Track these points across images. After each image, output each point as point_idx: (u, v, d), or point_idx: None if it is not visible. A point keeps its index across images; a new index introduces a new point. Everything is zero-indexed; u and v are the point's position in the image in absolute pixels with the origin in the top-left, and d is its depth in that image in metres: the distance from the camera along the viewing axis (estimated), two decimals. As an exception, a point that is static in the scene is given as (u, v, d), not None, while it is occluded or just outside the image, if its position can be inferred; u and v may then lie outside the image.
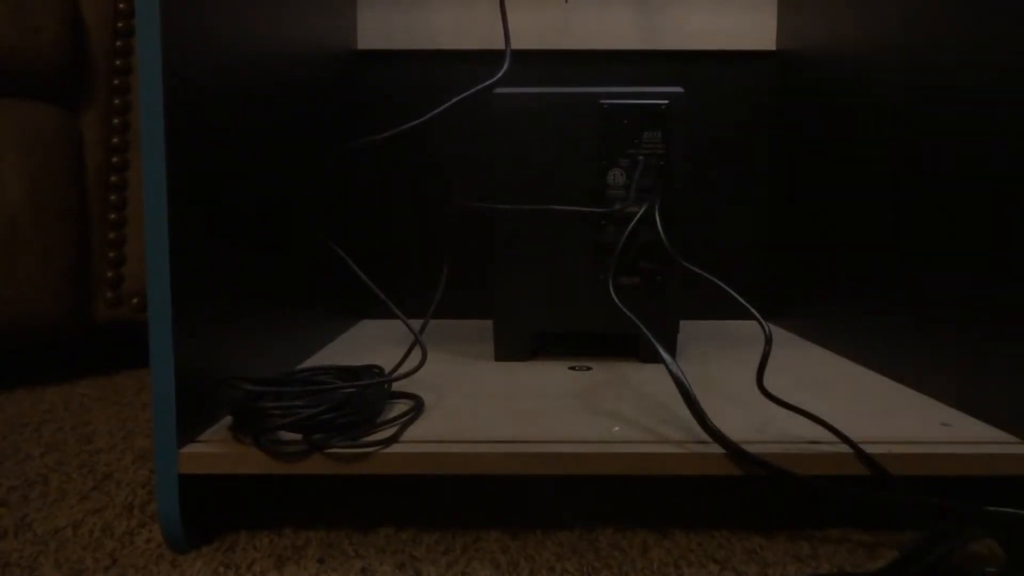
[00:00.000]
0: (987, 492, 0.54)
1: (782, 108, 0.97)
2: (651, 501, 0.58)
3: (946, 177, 0.60)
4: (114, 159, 0.96)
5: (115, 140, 0.96)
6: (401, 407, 0.57)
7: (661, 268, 0.72)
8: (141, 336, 0.47)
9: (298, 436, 0.49)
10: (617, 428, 0.53)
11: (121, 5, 0.95)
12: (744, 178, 1.02)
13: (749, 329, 0.95)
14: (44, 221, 0.90)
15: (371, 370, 0.61)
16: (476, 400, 0.61)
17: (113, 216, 0.96)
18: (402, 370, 0.61)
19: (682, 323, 0.99)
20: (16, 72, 0.89)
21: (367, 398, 0.53)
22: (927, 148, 0.63)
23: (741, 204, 1.02)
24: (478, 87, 0.73)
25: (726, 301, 1.02)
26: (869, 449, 0.49)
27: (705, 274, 0.61)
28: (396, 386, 0.60)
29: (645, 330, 0.59)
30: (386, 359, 0.66)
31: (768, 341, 0.54)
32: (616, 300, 0.65)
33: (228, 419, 0.54)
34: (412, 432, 0.52)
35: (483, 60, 1.00)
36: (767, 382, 0.67)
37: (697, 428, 0.52)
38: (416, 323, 0.70)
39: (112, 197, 0.96)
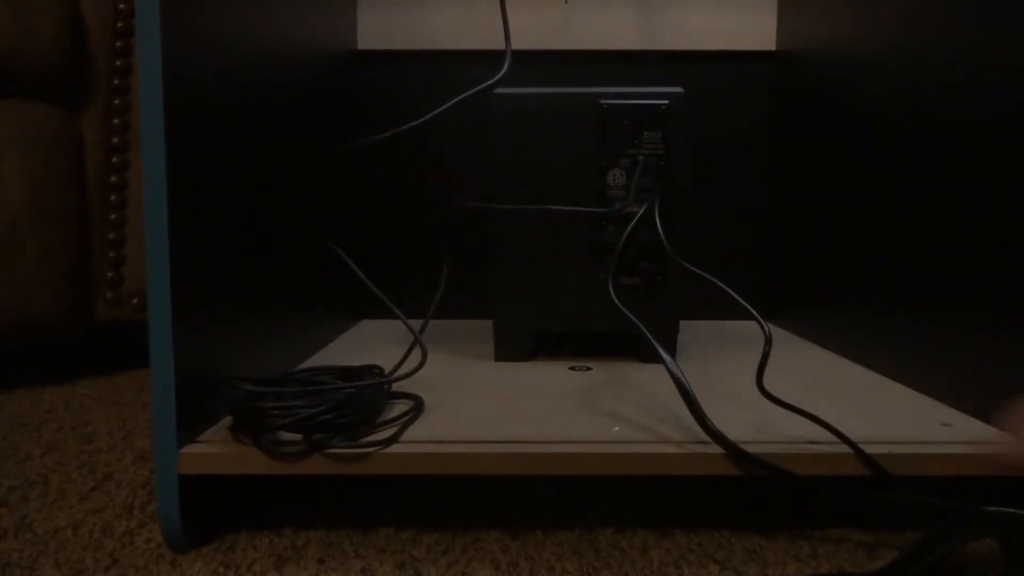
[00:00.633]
0: (987, 492, 0.54)
1: (782, 108, 0.97)
2: (651, 501, 0.58)
3: (946, 177, 0.60)
4: (114, 159, 0.96)
5: (115, 140, 0.96)
6: (401, 407, 0.57)
7: (661, 268, 0.72)
8: (141, 336, 0.47)
9: (298, 436, 0.49)
10: (617, 428, 0.53)
11: (121, 5, 0.95)
12: (744, 178, 1.02)
13: (749, 329, 0.95)
14: (44, 221, 0.90)
15: (371, 370, 0.61)
16: (476, 400, 0.61)
17: (113, 216, 0.96)
18: (402, 370, 0.61)
19: (682, 323, 0.99)
20: (16, 72, 0.89)
21: (367, 398, 0.53)
22: (927, 148, 0.63)
23: (741, 204, 1.02)
24: (478, 87, 0.73)
25: (726, 301, 1.02)
26: (869, 449, 0.49)
27: (705, 274, 0.61)
28: (396, 386, 0.60)
29: (645, 330, 0.59)
30: (386, 359, 0.66)
31: (768, 341, 0.54)
32: (616, 300, 0.65)
33: (228, 419, 0.54)
34: (412, 432, 0.52)
35: (483, 60, 1.00)
36: (767, 382, 0.67)
37: (697, 428, 0.52)
38: (416, 323, 0.70)
39: (112, 197, 0.96)
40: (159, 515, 0.49)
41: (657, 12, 0.99)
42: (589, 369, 0.72)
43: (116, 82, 0.96)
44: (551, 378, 0.69)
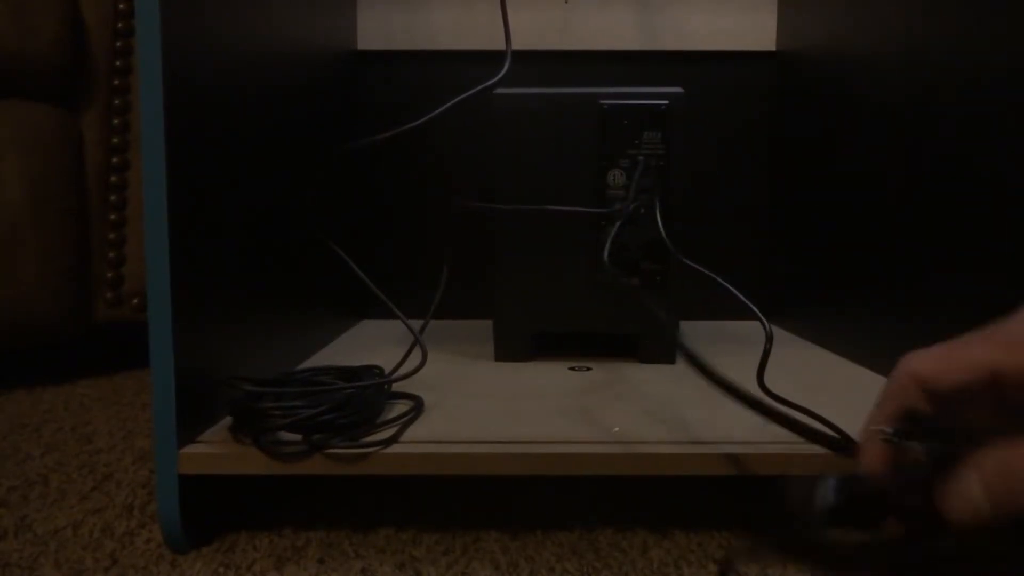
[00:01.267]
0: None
1: (782, 108, 0.97)
2: (651, 501, 0.58)
3: (946, 176, 0.60)
4: (114, 159, 0.96)
5: (115, 140, 0.96)
6: (401, 407, 0.57)
7: (662, 268, 0.72)
8: (141, 336, 0.47)
9: (298, 436, 0.49)
10: (617, 428, 0.53)
11: (121, 5, 0.95)
12: (744, 178, 1.02)
13: (749, 329, 0.95)
14: (44, 221, 0.90)
15: (371, 370, 0.61)
16: (476, 400, 0.61)
17: (113, 216, 0.96)
18: (402, 370, 0.61)
19: (682, 323, 0.99)
20: (16, 72, 0.89)
21: (367, 398, 0.53)
22: (927, 148, 0.63)
23: (741, 204, 1.02)
24: (479, 87, 0.73)
25: (726, 301, 1.02)
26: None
27: (706, 271, 0.61)
28: (396, 386, 0.60)
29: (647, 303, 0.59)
30: (386, 359, 0.66)
31: (769, 339, 0.54)
32: (612, 273, 0.65)
33: (228, 419, 0.54)
34: (412, 432, 0.52)
35: (483, 60, 1.00)
36: (767, 382, 0.66)
37: (697, 428, 0.52)
38: (416, 323, 0.70)
39: (112, 197, 0.96)
40: (159, 515, 0.49)
41: (657, 12, 0.99)
42: (589, 369, 0.72)
43: (116, 82, 0.96)
44: (551, 378, 0.69)
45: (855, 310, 0.75)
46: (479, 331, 0.93)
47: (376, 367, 0.62)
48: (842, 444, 0.48)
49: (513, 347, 0.75)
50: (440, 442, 0.51)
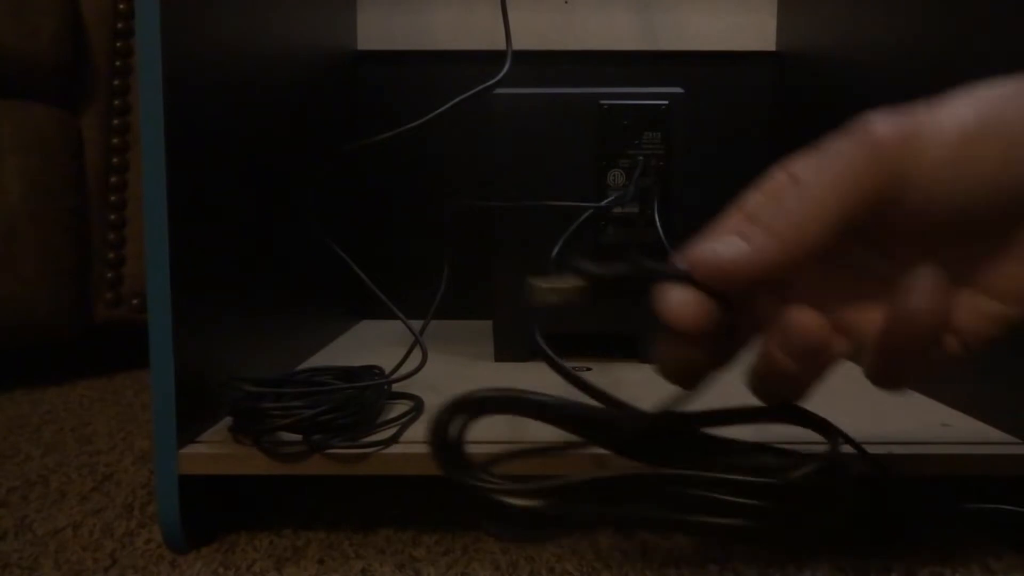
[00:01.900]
0: (987, 493, 0.54)
1: (782, 108, 0.97)
2: (651, 501, 0.58)
3: (946, 177, 0.60)
4: (114, 160, 0.96)
5: (115, 141, 0.96)
6: (401, 408, 0.57)
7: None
8: (141, 336, 0.47)
9: (298, 437, 0.49)
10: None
11: (121, 5, 0.95)
12: (744, 178, 1.01)
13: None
14: (43, 221, 0.90)
15: (371, 371, 0.61)
16: (476, 400, 0.61)
17: (113, 216, 0.96)
18: (402, 371, 0.60)
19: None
20: (16, 72, 0.89)
21: (367, 399, 0.53)
22: (927, 148, 0.63)
23: (741, 204, 1.02)
24: (479, 88, 0.73)
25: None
26: (869, 449, 0.49)
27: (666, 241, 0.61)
28: (396, 386, 0.60)
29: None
30: (386, 360, 0.66)
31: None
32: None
33: (228, 420, 0.54)
34: (412, 433, 0.52)
35: (483, 60, 1.00)
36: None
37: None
38: (416, 324, 0.70)
39: (112, 197, 0.96)
40: (159, 515, 0.49)
41: (657, 12, 0.99)
42: (589, 369, 0.72)
43: (116, 82, 0.96)
44: (551, 378, 0.69)
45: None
46: (479, 331, 0.93)
47: (376, 367, 0.62)
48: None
49: (513, 347, 0.75)
50: (440, 442, 0.50)
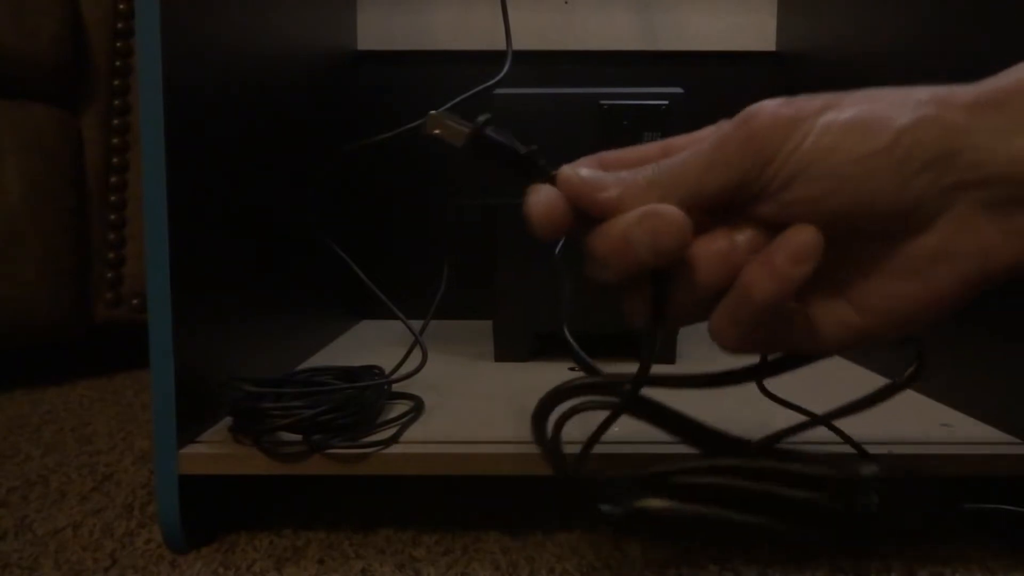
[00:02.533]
0: (987, 493, 0.54)
1: (782, 108, 0.97)
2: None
3: (946, 177, 0.60)
4: (114, 160, 0.96)
5: (115, 141, 0.96)
6: (401, 408, 0.57)
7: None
8: (141, 336, 0.47)
9: (298, 437, 0.49)
10: (617, 428, 0.53)
11: (121, 5, 0.95)
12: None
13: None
14: (44, 222, 0.90)
15: (371, 371, 0.61)
16: (476, 400, 0.61)
17: (113, 217, 0.96)
18: (402, 371, 0.61)
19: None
20: (16, 73, 0.89)
21: (367, 399, 0.53)
22: (927, 148, 0.63)
23: (741, 204, 1.02)
24: (479, 88, 0.73)
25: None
26: (870, 450, 0.49)
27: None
28: (396, 386, 0.60)
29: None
30: (386, 360, 0.66)
31: None
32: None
33: (228, 420, 0.54)
34: (412, 433, 0.52)
35: (483, 60, 1.00)
36: (767, 382, 0.66)
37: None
38: (416, 324, 0.70)
39: (112, 198, 0.96)
40: (159, 515, 0.49)
41: (657, 13, 0.99)
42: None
43: (116, 82, 0.96)
44: (551, 378, 0.69)
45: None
46: (479, 331, 0.93)
47: (376, 367, 0.62)
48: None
49: (513, 347, 0.75)
50: (440, 442, 0.51)
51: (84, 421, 0.80)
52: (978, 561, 0.49)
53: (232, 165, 0.58)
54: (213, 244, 0.54)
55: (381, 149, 1.02)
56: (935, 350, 0.61)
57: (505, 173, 0.36)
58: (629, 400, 0.38)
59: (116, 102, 0.96)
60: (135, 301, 0.98)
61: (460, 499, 0.58)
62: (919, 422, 0.55)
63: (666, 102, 0.71)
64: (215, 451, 0.49)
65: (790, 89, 0.94)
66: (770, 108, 0.31)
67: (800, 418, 0.43)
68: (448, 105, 0.73)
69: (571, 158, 0.75)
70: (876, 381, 0.68)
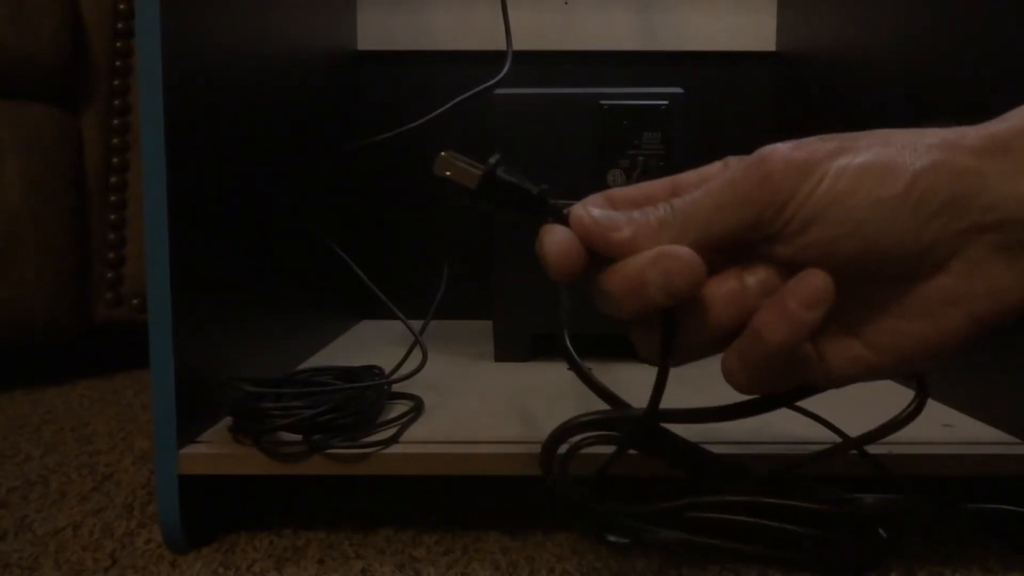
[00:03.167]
0: (987, 493, 0.54)
1: (782, 108, 0.97)
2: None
3: (946, 177, 0.60)
4: (114, 160, 0.96)
5: (115, 141, 0.96)
6: (401, 408, 0.57)
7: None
8: (141, 336, 0.47)
9: (298, 437, 0.49)
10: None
11: (121, 5, 0.95)
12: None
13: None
14: (43, 222, 0.90)
15: (371, 371, 0.61)
16: (476, 400, 0.61)
17: (113, 217, 0.96)
18: (402, 371, 0.60)
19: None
20: (16, 73, 0.89)
21: (367, 399, 0.53)
22: (927, 148, 0.63)
23: (741, 204, 1.02)
24: (479, 88, 0.73)
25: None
26: (869, 449, 0.49)
27: None
28: (396, 386, 0.60)
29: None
30: (386, 360, 0.66)
31: None
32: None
33: (228, 420, 0.54)
34: (412, 433, 0.52)
35: (483, 60, 1.00)
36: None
37: (695, 428, 0.52)
38: (416, 324, 0.70)
39: (112, 198, 0.96)
40: (159, 515, 0.49)
41: (657, 12, 0.99)
42: (589, 369, 0.72)
43: (116, 83, 0.96)
44: (551, 378, 0.69)
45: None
46: (479, 331, 0.93)
47: (376, 367, 0.62)
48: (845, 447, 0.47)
49: (513, 347, 0.75)
50: (440, 442, 0.51)
51: (84, 421, 0.80)
52: (978, 561, 0.49)
53: (232, 165, 0.58)
54: (213, 244, 0.54)
55: (381, 149, 1.02)
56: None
57: (515, 213, 0.35)
58: (635, 437, 0.38)
59: (116, 102, 0.96)
60: (135, 301, 0.98)
61: (460, 499, 0.58)
62: (920, 422, 0.55)
63: (666, 102, 0.71)
64: (215, 451, 0.49)
65: (790, 89, 0.94)
66: (783, 151, 0.31)
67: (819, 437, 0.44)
68: (448, 105, 0.73)
69: (571, 158, 0.75)
70: (875, 386, 0.68)
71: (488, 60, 1.00)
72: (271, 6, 0.66)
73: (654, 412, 0.37)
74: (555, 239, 0.33)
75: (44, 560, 0.49)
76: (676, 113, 0.71)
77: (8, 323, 0.88)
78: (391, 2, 1.00)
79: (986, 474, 0.49)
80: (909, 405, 0.38)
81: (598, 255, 0.33)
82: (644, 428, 0.38)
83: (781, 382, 0.35)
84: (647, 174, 0.72)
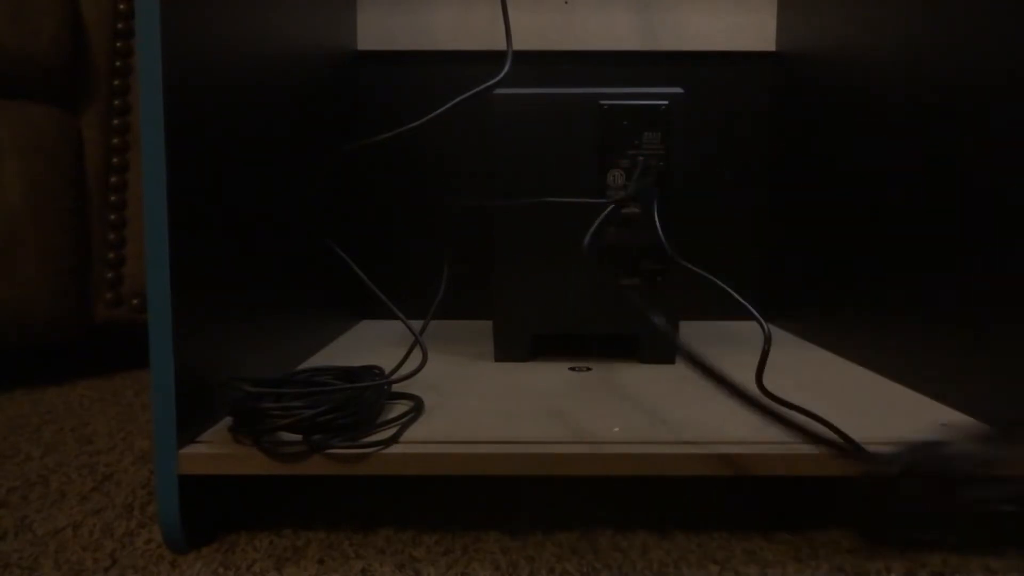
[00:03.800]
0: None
1: (782, 108, 0.97)
2: (651, 501, 0.58)
3: (945, 176, 0.60)
4: (114, 160, 0.96)
5: (115, 141, 0.96)
6: (401, 408, 0.57)
7: (661, 268, 0.72)
8: (141, 336, 0.47)
9: (298, 437, 0.49)
10: (617, 428, 0.53)
11: (121, 5, 0.95)
12: (744, 178, 1.02)
13: (749, 329, 0.95)
14: (44, 222, 0.90)
15: (371, 371, 0.61)
16: (476, 400, 0.61)
17: (113, 217, 0.96)
18: (403, 371, 0.61)
19: (682, 323, 0.99)
20: (16, 73, 0.89)
21: (367, 399, 0.53)
22: (926, 147, 0.63)
23: (741, 205, 1.02)
24: (479, 88, 0.73)
25: (726, 301, 1.02)
26: (870, 450, 0.49)
27: (703, 273, 0.61)
28: (396, 386, 0.60)
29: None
30: (386, 360, 0.66)
31: (767, 340, 0.54)
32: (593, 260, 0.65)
33: (228, 420, 0.54)
34: (412, 433, 0.52)
35: (483, 61, 1.00)
36: (767, 382, 0.67)
37: (697, 428, 0.52)
38: (416, 324, 0.70)
39: (112, 198, 0.96)
40: (159, 515, 0.49)
41: (657, 12, 0.99)
42: (589, 369, 0.72)
43: (116, 83, 0.96)
44: (551, 378, 0.69)
45: (855, 311, 0.75)
46: (479, 331, 0.93)
47: (376, 367, 0.62)
48: (844, 447, 0.48)
49: (513, 347, 0.75)
50: (440, 442, 0.51)
51: (84, 421, 0.80)
52: (978, 561, 0.49)
53: (232, 165, 0.58)
54: (213, 244, 0.54)
55: (381, 149, 1.03)
56: (935, 350, 0.61)
57: None
58: None
59: (116, 102, 0.96)
60: (135, 301, 0.98)
61: (460, 499, 0.58)
62: (919, 422, 0.55)
63: (666, 102, 0.71)
64: (215, 451, 0.49)
65: (790, 89, 0.94)
66: None
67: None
68: (448, 105, 0.73)
69: (571, 158, 0.75)
70: (877, 381, 0.68)
71: (488, 60, 1.01)
72: (271, 6, 0.66)
73: None
74: None
75: (44, 560, 0.49)
76: (676, 113, 0.71)
77: (8, 323, 0.88)
78: (391, 2, 1.00)
79: (986, 474, 0.49)
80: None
81: None
82: None
83: None
84: (647, 174, 0.72)
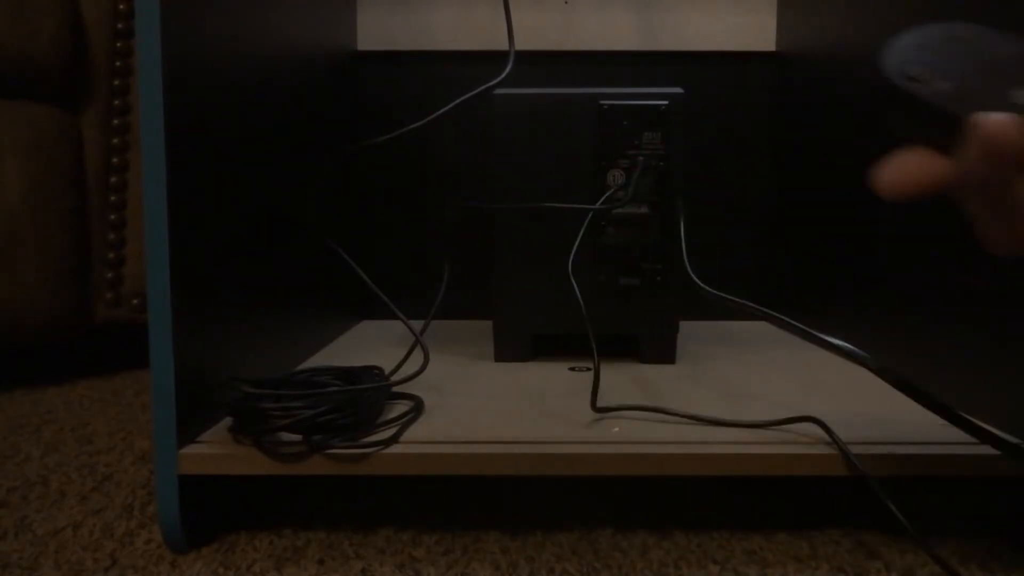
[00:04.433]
0: (987, 493, 0.54)
1: (782, 108, 0.97)
2: (651, 501, 0.58)
3: (946, 177, 0.60)
4: (114, 160, 0.96)
5: (115, 141, 0.96)
6: (401, 408, 0.57)
7: (661, 268, 0.72)
8: (141, 336, 0.47)
9: (298, 437, 0.49)
10: (617, 428, 0.53)
11: (121, 6, 0.95)
12: (744, 178, 1.02)
13: (749, 329, 0.95)
14: (44, 222, 0.90)
15: (371, 371, 0.61)
16: (476, 400, 0.61)
17: (113, 217, 0.96)
18: (403, 372, 0.61)
19: (682, 323, 0.99)
20: (16, 73, 0.89)
21: (367, 399, 0.53)
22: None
23: (741, 205, 1.02)
24: (480, 88, 0.73)
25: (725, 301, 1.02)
26: (869, 450, 0.49)
27: (739, 300, 0.60)
28: (396, 387, 0.60)
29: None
30: (387, 360, 0.66)
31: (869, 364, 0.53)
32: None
33: (228, 420, 0.54)
34: (412, 433, 0.52)
35: (483, 61, 1.00)
36: (766, 382, 0.67)
37: (697, 428, 0.52)
38: (417, 324, 0.70)
39: (112, 198, 0.96)
40: (159, 516, 0.49)
41: (657, 12, 0.99)
42: (589, 369, 0.72)
43: (116, 83, 0.96)
44: (551, 378, 0.69)
45: (855, 311, 0.75)
46: (479, 331, 0.93)
47: (376, 368, 0.62)
48: (1018, 449, 0.47)
49: (513, 348, 0.75)
50: (440, 442, 0.51)
51: (84, 421, 0.80)
52: (978, 561, 0.49)
53: (232, 165, 0.58)
54: (213, 244, 0.54)
55: (381, 149, 1.03)
56: (936, 350, 0.61)
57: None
58: None
59: (116, 102, 0.96)
60: (135, 301, 0.98)
61: (460, 499, 0.58)
62: (919, 422, 0.55)
63: (666, 102, 0.71)
64: (215, 451, 0.49)
65: (790, 89, 0.94)
66: None
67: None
68: (449, 106, 0.73)
69: (571, 158, 0.75)
70: (877, 381, 0.68)
71: (488, 60, 1.01)
72: (271, 6, 0.66)
73: None
74: (999, 120, 0.31)
75: (44, 560, 0.49)
76: (676, 113, 0.71)
77: (8, 323, 0.88)
78: (391, 2, 1.00)
79: (986, 474, 0.49)
80: None
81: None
82: None
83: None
84: (647, 174, 0.72)
